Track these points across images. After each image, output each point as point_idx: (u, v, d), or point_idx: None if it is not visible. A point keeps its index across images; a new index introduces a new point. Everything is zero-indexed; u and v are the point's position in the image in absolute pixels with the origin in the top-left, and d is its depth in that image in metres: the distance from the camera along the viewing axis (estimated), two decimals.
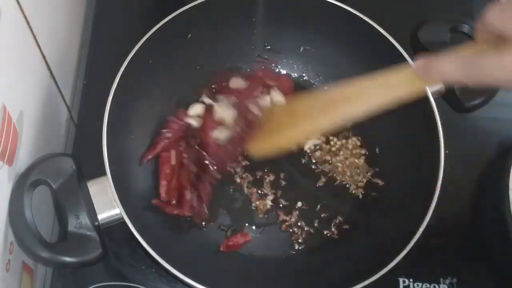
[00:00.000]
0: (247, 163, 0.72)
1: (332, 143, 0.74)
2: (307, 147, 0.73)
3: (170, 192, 0.67)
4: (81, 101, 0.76)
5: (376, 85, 0.55)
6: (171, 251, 0.61)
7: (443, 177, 0.61)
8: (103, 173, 0.58)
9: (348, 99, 0.57)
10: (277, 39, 0.77)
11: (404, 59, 0.67)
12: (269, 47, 0.78)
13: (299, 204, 0.70)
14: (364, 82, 0.56)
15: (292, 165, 0.72)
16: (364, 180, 0.72)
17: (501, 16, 0.43)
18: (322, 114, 0.59)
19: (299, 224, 0.69)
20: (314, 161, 0.73)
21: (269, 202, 0.70)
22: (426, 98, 0.65)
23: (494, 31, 0.45)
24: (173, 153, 0.69)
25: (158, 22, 0.67)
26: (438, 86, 0.66)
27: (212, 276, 0.62)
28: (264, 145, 0.66)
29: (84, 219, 0.55)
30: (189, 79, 0.75)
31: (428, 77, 0.50)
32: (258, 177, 0.71)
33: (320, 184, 0.72)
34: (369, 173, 0.72)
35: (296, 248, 0.68)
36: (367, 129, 0.74)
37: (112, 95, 0.62)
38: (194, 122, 0.71)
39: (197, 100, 0.74)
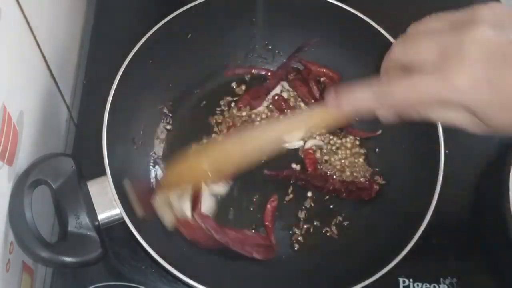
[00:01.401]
0: None
1: (332, 142, 0.74)
2: (308, 145, 0.73)
3: None
4: (81, 101, 0.76)
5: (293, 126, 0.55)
6: (171, 251, 0.61)
7: (443, 177, 0.61)
8: (103, 173, 0.58)
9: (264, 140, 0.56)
10: (277, 39, 0.77)
11: None
12: (269, 47, 0.78)
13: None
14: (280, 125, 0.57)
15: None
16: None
17: (403, 49, 0.44)
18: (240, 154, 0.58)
19: (299, 224, 0.69)
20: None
21: None
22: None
23: (398, 64, 0.45)
24: None
25: (158, 22, 0.67)
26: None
27: (212, 276, 0.62)
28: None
29: (84, 219, 0.55)
30: (189, 79, 0.75)
31: (340, 109, 0.47)
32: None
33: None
34: (369, 173, 0.72)
35: (296, 248, 0.68)
36: (367, 129, 0.74)
37: (112, 95, 0.62)
38: None
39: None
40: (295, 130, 0.56)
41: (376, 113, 0.45)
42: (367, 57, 0.72)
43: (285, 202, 0.70)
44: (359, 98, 0.46)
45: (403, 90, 0.42)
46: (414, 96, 0.42)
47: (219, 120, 0.74)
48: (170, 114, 0.74)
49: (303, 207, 0.70)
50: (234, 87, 0.77)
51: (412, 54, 0.43)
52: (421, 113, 0.43)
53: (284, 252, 0.68)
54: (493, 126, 0.41)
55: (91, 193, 0.57)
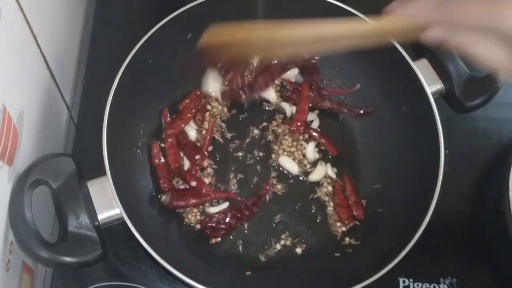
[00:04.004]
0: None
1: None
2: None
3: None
4: (81, 101, 0.76)
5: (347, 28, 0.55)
6: (171, 251, 0.61)
7: (443, 177, 0.61)
8: (103, 173, 0.58)
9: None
10: None
11: (405, 59, 0.67)
12: None
13: (299, 205, 0.70)
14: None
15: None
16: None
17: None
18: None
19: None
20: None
21: None
22: (426, 98, 0.65)
23: None
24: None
25: (158, 22, 0.67)
26: (439, 86, 0.67)
27: (212, 276, 0.62)
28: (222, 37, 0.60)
29: (84, 219, 0.55)
30: (189, 79, 0.75)
31: (400, 16, 0.49)
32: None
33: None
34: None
35: (297, 249, 0.68)
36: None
37: (112, 95, 0.62)
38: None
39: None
40: (345, 36, 0.55)
41: (427, 30, 0.47)
42: (367, 57, 0.73)
43: (296, 207, 0.70)
44: (419, 8, 0.47)
45: (460, 7, 0.44)
46: (467, 15, 0.43)
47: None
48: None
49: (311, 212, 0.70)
50: None
51: None
52: (466, 41, 0.45)
53: (285, 253, 0.68)
54: None
55: (91, 193, 0.57)
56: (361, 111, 0.74)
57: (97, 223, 0.56)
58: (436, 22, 0.46)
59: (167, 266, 0.55)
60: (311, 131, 0.74)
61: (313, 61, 0.75)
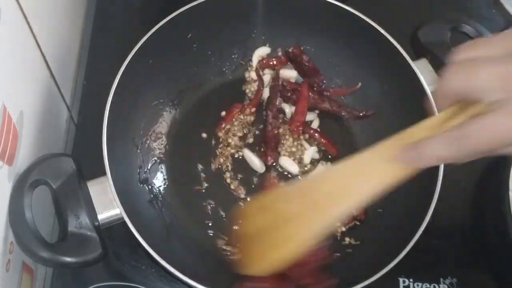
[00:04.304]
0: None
1: None
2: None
3: None
4: (81, 101, 0.76)
5: (356, 173, 0.50)
6: (171, 251, 0.61)
7: (443, 177, 0.61)
8: (103, 173, 0.58)
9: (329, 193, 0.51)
10: (276, 39, 0.77)
11: (405, 60, 0.67)
12: (269, 48, 0.78)
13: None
14: (344, 170, 0.52)
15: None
16: None
17: (459, 79, 0.40)
18: (307, 212, 0.51)
19: None
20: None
21: None
22: (426, 98, 0.65)
23: (452, 96, 0.41)
24: None
25: (158, 22, 0.67)
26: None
27: (212, 276, 0.62)
28: (258, 261, 0.56)
29: (84, 219, 0.55)
30: (189, 79, 0.75)
31: (417, 165, 0.44)
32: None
33: None
34: None
35: None
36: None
37: (112, 95, 0.62)
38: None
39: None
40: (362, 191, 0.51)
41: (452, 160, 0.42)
42: (367, 57, 0.73)
43: None
44: (435, 150, 0.42)
45: (480, 133, 0.39)
46: (495, 136, 0.39)
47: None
48: (170, 114, 0.74)
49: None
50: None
51: (471, 84, 0.39)
52: (499, 151, 0.41)
53: None
54: None
55: (91, 193, 0.57)
56: (361, 114, 0.74)
57: (97, 223, 0.56)
58: (459, 154, 0.41)
59: (167, 266, 0.55)
60: (311, 131, 0.74)
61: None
